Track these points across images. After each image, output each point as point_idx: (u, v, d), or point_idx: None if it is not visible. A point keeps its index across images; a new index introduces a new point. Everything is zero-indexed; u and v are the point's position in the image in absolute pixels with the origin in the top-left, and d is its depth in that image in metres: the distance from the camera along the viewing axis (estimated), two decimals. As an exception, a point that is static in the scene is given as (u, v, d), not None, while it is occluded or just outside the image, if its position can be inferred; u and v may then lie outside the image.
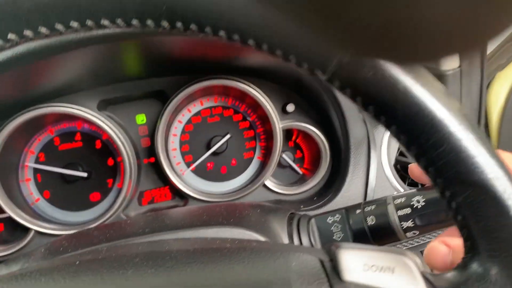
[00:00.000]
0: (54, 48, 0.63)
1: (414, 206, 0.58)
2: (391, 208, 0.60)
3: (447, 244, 0.50)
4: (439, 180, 0.41)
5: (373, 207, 0.61)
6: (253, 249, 0.45)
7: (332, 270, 0.42)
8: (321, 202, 0.86)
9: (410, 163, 0.91)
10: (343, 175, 0.87)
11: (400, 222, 0.59)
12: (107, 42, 0.67)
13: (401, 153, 0.93)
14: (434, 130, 0.39)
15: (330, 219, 0.64)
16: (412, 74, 0.40)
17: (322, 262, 0.43)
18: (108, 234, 0.60)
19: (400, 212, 0.59)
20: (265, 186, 0.97)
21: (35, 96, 0.85)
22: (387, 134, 0.89)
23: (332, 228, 0.63)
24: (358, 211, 0.62)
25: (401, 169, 0.93)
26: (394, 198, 0.60)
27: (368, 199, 0.84)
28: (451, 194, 0.38)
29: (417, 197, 0.59)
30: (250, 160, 1.02)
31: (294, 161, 1.01)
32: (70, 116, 0.90)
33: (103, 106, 0.95)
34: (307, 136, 0.98)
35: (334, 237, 0.63)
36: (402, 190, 0.87)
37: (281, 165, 1.00)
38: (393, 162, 0.89)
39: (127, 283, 0.39)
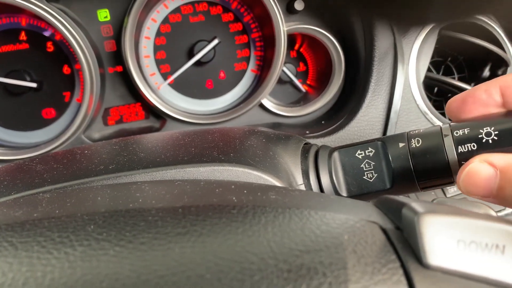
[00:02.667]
0: None
1: (483, 141, 0.43)
2: (448, 142, 0.44)
3: (492, 164, 0.38)
4: None
5: (422, 139, 0.46)
6: (276, 208, 0.29)
7: (405, 246, 0.27)
8: (332, 127, 0.71)
9: (443, 81, 0.75)
10: (362, 93, 0.70)
11: (461, 161, 0.44)
12: None
13: (428, 69, 0.77)
14: None
15: (360, 154, 0.48)
16: None
17: (385, 232, 0.28)
18: (56, 171, 0.43)
19: (461, 148, 0.44)
20: (261, 105, 0.79)
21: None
22: (417, 44, 0.71)
23: (362, 165, 0.48)
24: (401, 144, 0.46)
25: (426, 89, 0.77)
26: (453, 128, 0.44)
27: (390, 124, 0.69)
28: None
29: (486, 127, 0.43)
30: (242, 73, 0.84)
31: (296, 76, 0.83)
32: (9, 7, 0.69)
33: (53, -4, 0.73)
34: (314, 44, 0.80)
35: (364, 177, 0.48)
36: (430, 114, 0.71)
37: (280, 80, 0.83)
38: (422, 79, 0.72)
39: (70, 275, 0.23)
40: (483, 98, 0.45)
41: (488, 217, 0.27)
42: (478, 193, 0.39)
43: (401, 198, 0.31)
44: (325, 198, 0.34)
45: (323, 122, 0.77)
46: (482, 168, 0.39)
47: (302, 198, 0.32)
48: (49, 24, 0.71)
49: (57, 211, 0.30)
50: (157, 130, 0.80)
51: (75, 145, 0.75)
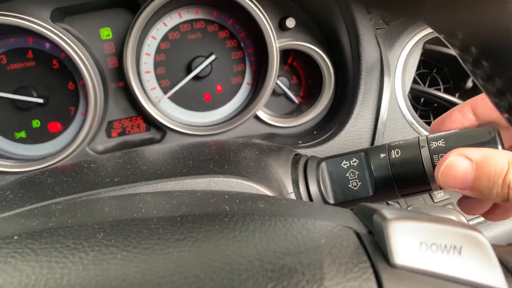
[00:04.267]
0: None
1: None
2: (425, 153, 0.48)
3: (469, 158, 0.41)
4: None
5: (401, 150, 0.50)
6: (263, 216, 0.33)
7: (375, 249, 0.30)
8: (323, 137, 0.74)
9: (427, 92, 0.79)
10: (351, 105, 0.74)
11: None
12: None
13: (415, 81, 0.80)
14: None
15: (346, 164, 0.52)
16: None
17: (359, 236, 0.32)
18: (66, 183, 0.47)
19: (437, 158, 0.47)
20: (256, 117, 0.83)
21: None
22: (403, 58, 0.75)
23: (348, 174, 0.52)
24: (382, 155, 0.50)
25: (412, 99, 0.81)
26: (430, 140, 0.48)
27: (378, 134, 0.72)
28: None
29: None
30: (238, 86, 0.87)
31: (289, 88, 0.87)
32: (17, 28, 0.73)
33: (58, 16, 0.78)
34: (306, 58, 0.84)
35: (349, 185, 0.52)
36: (416, 123, 0.75)
37: (274, 92, 0.87)
38: (407, 91, 0.76)
39: (84, 276, 0.27)
40: (459, 118, 0.49)
41: (448, 222, 0.31)
42: (455, 185, 0.42)
43: (373, 205, 0.34)
44: (309, 206, 0.37)
45: (315, 132, 0.80)
46: (459, 161, 0.41)
47: (288, 207, 0.36)
48: (54, 43, 0.74)
49: (69, 221, 0.34)
50: (158, 141, 0.83)
51: (80, 157, 0.79)
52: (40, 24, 0.72)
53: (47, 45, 0.81)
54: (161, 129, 0.84)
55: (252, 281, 0.26)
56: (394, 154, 0.49)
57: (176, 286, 0.26)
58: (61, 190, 0.45)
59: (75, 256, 0.28)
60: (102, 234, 0.31)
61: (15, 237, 0.31)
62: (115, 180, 0.45)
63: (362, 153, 0.52)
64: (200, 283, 0.26)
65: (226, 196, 0.39)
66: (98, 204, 0.38)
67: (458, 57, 0.31)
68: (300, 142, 0.76)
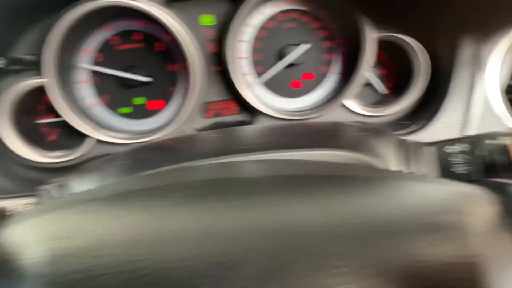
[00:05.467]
0: None
1: None
2: None
3: None
4: None
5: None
6: (398, 180, 0.36)
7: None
8: (412, 129, 0.76)
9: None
10: (442, 98, 0.75)
11: None
12: None
13: None
14: None
15: (453, 149, 0.54)
16: None
17: (493, 204, 0.34)
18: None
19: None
20: (343, 105, 0.86)
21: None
22: (500, 53, 0.75)
23: (456, 159, 0.54)
24: (494, 141, 0.52)
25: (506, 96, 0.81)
26: None
27: (470, 128, 0.73)
28: None
29: None
30: (327, 75, 0.90)
31: (377, 79, 0.89)
32: (131, 10, 0.79)
33: (167, 2, 0.83)
34: (394, 48, 0.85)
35: (457, 171, 0.54)
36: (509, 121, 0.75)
37: (361, 82, 0.89)
38: (502, 87, 0.76)
39: (192, 216, 0.30)
40: None
41: None
42: None
43: (503, 180, 0.37)
44: (437, 179, 0.40)
45: (402, 123, 0.82)
46: None
47: (413, 177, 0.39)
48: (165, 26, 0.80)
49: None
50: (248, 124, 0.88)
51: (178, 134, 0.84)
52: (155, 8, 0.78)
53: (155, 27, 0.87)
54: (252, 112, 0.88)
55: (412, 230, 0.29)
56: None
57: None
58: (170, 159, 0.49)
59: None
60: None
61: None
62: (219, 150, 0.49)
63: (473, 139, 0.53)
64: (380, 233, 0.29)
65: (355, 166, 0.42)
66: (231, 167, 0.42)
67: None
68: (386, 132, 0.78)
